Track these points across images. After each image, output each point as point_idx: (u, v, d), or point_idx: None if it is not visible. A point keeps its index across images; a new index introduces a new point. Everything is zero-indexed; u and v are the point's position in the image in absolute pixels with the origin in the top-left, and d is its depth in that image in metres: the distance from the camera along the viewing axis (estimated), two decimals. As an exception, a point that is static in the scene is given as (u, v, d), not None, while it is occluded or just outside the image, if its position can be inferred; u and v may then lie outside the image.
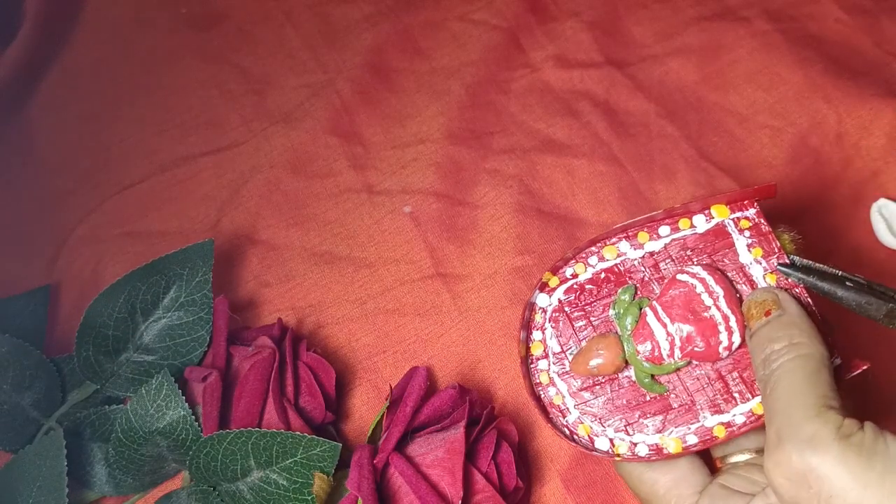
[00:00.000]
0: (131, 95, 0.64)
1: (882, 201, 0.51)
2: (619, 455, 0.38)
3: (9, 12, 0.65)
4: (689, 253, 0.40)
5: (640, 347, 0.38)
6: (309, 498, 0.42)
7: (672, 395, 0.39)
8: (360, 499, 0.40)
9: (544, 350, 0.41)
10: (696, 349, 0.38)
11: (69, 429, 0.46)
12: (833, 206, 0.53)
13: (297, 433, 0.42)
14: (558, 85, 0.61)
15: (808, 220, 0.53)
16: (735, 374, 0.38)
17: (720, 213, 0.40)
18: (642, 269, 0.40)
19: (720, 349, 0.38)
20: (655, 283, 0.40)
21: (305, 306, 0.53)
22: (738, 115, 0.58)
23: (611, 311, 0.40)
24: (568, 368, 0.40)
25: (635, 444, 0.39)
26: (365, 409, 0.49)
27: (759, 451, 0.39)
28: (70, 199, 0.59)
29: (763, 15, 0.62)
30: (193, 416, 0.43)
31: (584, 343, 0.40)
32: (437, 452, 0.41)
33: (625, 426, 0.39)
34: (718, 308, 0.38)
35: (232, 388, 0.45)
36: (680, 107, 0.59)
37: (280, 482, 0.42)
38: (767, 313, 0.36)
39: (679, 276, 0.39)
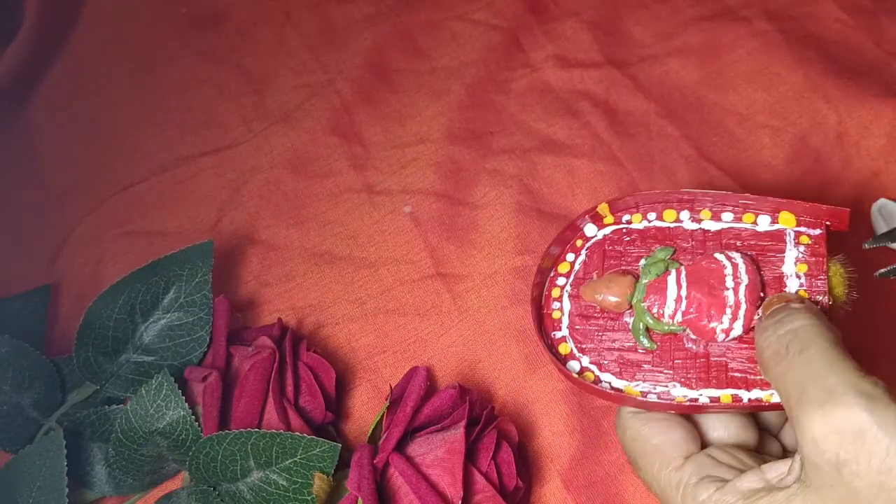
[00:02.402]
0: (131, 95, 0.64)
1: (882, 201, 0.51)
2: (585, 378, 0.39)
3: (9, 12, 0.65)
4: (739, 244, 0.40)
5: (649, 298, 0.39)
6: (309, 498, 0.42)
7: (655, 355, 0.39)
8: (360, 499, 0.40)
9: (569, 271, 0.42)
10: (695, 321, 0.38)
11: (69, 429, 0.46)
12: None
13: (297, 434, 0.42)
14: (558, 85, 0.61)
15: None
16: (721, 360, 0.38)
17: (786, 222, 0.40)
18: (690, 241, 0.41)
19: (718, 331, 0.38)
20: (694, 257, 0.41)
21: (305, 306, 0.53)
22: (738, 115, 0.58)
23: (642, 261, 0.41)
24: (579, 292, 0.41)
25: (600, 381, 0.40)
26: (365, 409, 0.49)
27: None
28: (70, 199, 0.60)
29: (763, 15, 0.62)
30: (193, 416, 0.43)
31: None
32: (437, 452, 0.41)
33: (600, 361, 0.40)
34: (735, 293, 0.38)
35: (232, 388, 0.45)
36: (680, 107, 0.59)
37: (280, 482, 0.42)
38: (788, 301, 0.36)
39: (716, 254, 0.39)
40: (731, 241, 0.41)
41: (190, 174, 0.60)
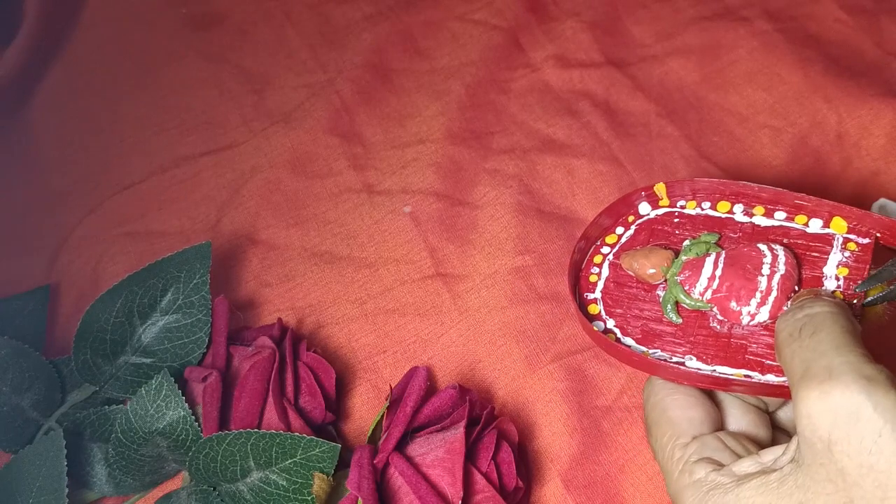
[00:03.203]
0: (131, 95, 0.64)
1: (882, 201, 0.51)
2: (610, 334, 0.41)
3: (9, 12, 0.65)
4: (786, 241, 0.41)
5: (683, 273, 0.41)
6: (309, 498, 0.42)
7: (678, 329, 0.40)
8: (360, 499, 0.40)
9: (615, 242, 0.44)
10: (724, 300, 0.39)
11: (69, 429, 0.46)
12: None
13: (297, 434, 0.42)
14: (558, 85, 0.61)
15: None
16: (741, 343, 0.39)
17: (837, 227, 0.41)
18: (738, 232, 0.42)
19: (744, 313, 0.39)
20: (738, 246, 0.41)
21: (305, 306, 0.53)
22: (738, 115, 0.58)
23: (686, 241, 0.42)
24: (618, 259, 0.43)
25: (620, 342, 0.41)
26: (365, 409, 0.49)
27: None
28: (70, 199, 0.60)
29: (763, 15, 0.62)
30: (193, 417, 0.43)
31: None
32: (437, 452, 0.41)
33: (624, 326, 0.42)
34: (769, 280, 0.39)
35: (232, 388, 0.45)
36: (680, 107, 0.59)
37: (280, 483, 0.42)
38: (816, 295, 0.37)
39: (760, 244, 0.40)
40: (778, 238, 0.41)
41: (190, 174, 0.60)
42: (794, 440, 0.33)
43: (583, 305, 0.43)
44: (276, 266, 0.55)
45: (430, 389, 0.44)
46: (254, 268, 0.55)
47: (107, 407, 0.47)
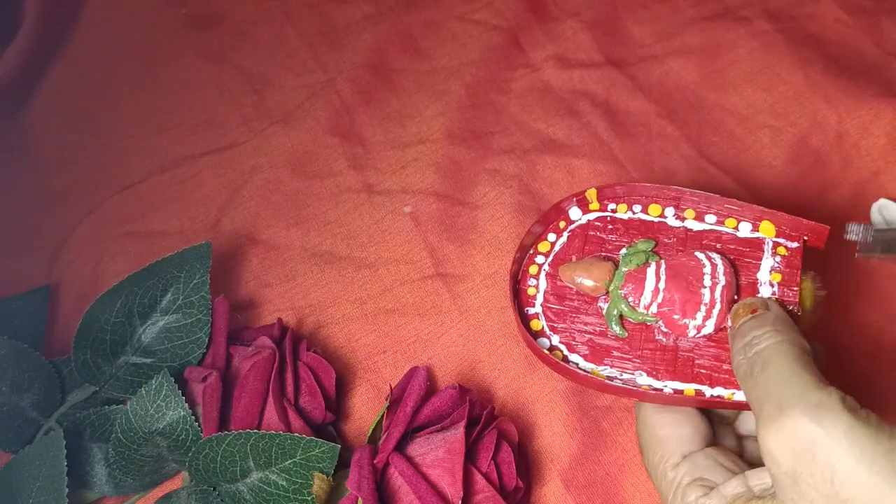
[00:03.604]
0: (131, 95, 0.64)
1: (882, 201, 0.51)
2: (554, 355, 0.40)
3: (9, 12, 0.65)
4: (719, 246, 0.41)
5: (627, 286, 0.40)
6: (309, 498, 0.42)
7: (625, 343, 0.40)
8: (360, 499, 0.40)
9: (549, 250, 0.43)
10: (670, 314, 0.39)
11: (69, 429, 0.46)
12: (833, 206, 0.53)
13: (296, 434, 0.42)
14: (558, 85, 0.61)
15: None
16: (688, 356, 0.39)
17: (766, 231, 0.41)
18: (672, 237, 0.42)
19: (690, 326, 0.39)
20: (675, 253, 0.41)
21: (305, 306, 0.53)
22: (738, 115, 0.58)
23: (623, 250, 0.42)
24: (556, 271, 0.42)
25: (568, 362, 0.40)
26: (365, 409, 0.49)
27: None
28: (70, 199, 0.59)
29: (763, 15, 0.62)
30: (193, 417, 0.43)
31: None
32: (437, 452, 0.41)
33: (570, 342, 0.41)
34: (712, 293, 0.39)
35: (232, 388, 0.45)
36: (680, 107, 0.59)
37: (280, 483, 0.42)
38: (753, 311, 0.37)
39: (697, 253, 0.40)
40: (712, 243, 0.42)
41: (190, 174, 0.60)
42: None
43: (525, 322, 0.41)
44: (276, 266, 0.55)
45: (430, 389, 0.44)
46: (254, 268, 0.55)
47: (107, 407, 0.47)
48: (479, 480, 0.41)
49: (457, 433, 0.41)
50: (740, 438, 0.40)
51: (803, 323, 0.39)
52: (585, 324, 0.41)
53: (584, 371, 0.40)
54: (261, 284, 0.54)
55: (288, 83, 0.64)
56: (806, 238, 0.41)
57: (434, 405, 0.43)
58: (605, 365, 0.40)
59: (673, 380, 0.39)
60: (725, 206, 0.42)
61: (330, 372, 0.47)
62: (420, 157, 0.58)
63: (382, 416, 0.44)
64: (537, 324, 0.42)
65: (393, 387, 0.44)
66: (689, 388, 0.39)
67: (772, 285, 0.40)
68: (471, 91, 0.61)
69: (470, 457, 0.41)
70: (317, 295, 0.53)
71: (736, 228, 0.42)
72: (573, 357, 0.40)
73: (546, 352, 0.40)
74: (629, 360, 0.40)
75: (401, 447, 0.42)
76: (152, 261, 0.49)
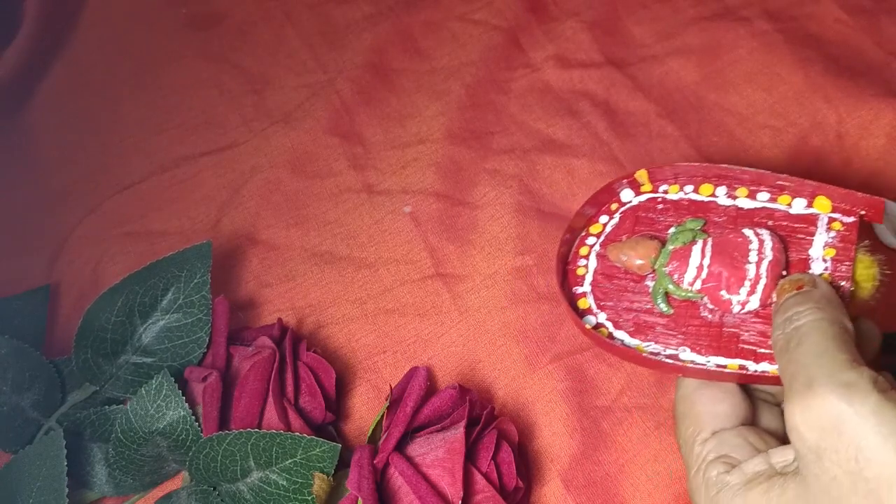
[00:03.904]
0: (131, 95, 0.64)
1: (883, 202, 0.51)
2: (602, 329, 0.41)
3: (9, 12, 0.65)
4: (770, 223, 0.41)
5: (672, 264, 0.40)
6: (309, 498, 0.42)
7: (670, 320, 0.40)
8: (360, 499, 0.40)
9: (600, 232, 0.44)
10: (714, 290, 0.39)
11: (69, 429, 0.46)
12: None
13: (297, 434, 0.42)
14: (558, 85, 0.61)
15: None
16: (733, 332, 0.39)
17: (820, 207, 0.41)
18: (722, 216, 0.42)
19: (734, 302, 0.39)
20: (724, 232, 0.41)
21: (305, 306, 0.53)
22: (738, 115, 0.58)
23: (672, 229, 0.42)
24: (605, 251, 0.43)
25: (613, 338, 0.41)
26: (365, 409, 0.49)
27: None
28: (70, 199, 0.60)
29: (763, 15, 0.62)
30: (193, 417, 0.43)
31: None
32: (437, 452, 0.41)
33: (616, 319, 0.41)
34: (757, 268, 0.38)
35: (232, 388, 0.45)
36: (680, 107, 0.59)
37: (280, 482, 0.42)
38: (799, 287, 0.37)
39: (745, 230, 0.40)
40: (763, 220, 0.41)
41: (190, 174, 0.60)
42: None
43: (573, 301, 0.42)
44: (276, 266, 0.55)
45: (430, 389, 0.44)
46: (254, 268, 0.55)
47: (107, 407, 0.47)
48: (479, 480, 0.41)
49: (457, 433, 0.41)
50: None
51: (859, 304, 0.38)
52: (633, 302, 0.41)
53: (628, 347, 0.40)
54: (261, 284, 0.54)
55: (288, 83, 0.64)
56: (863, 213, 0.40)
57: (434, 405, 0.43)
58: (650, 341, 0.40)
59: (716, 355, 0.39)
60: (778, 182, 0.41)
61: (330, 372, 0.47)
62: (420, 157, 0.58)
63: (382, 416, 0.44)
64: (585, 302, 0.42)
65: (393, 387, 0.44)
66: (733, 363, 0.38)
67: (825, 261, 0.39)
68: (471, 91, 0.61)
69: (470, 457, 0.41)
70: (317, 295, 0.53)
71: (789, 205, 0.41)
72: (618, 333, 0.41)
73: (590, 328, 0.40)
74: (673, 335, 0.40)
75: (401, 447, 0.42)
76: (152, 261, 0.49)
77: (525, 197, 0.55)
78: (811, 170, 0.55)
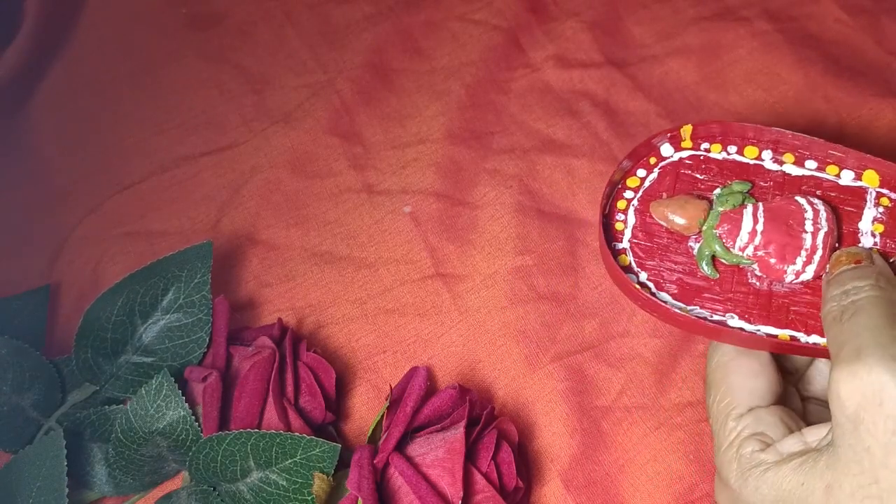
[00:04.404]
0: (131, 95, 0.64)
1: (882, 201, 0.51)
2: (644, 287, 0.39)
3: (9, 12, 0.65)
4: (818, 193, 0.40)
5: (722, 226, 0.39)
6: (309, 498, 0.42)
7: (715, 284, 0.39)
8: (360, 499, 0.40)
9: (638, 186, 0.42)
10: (768, 257, 0.38)
11: (69, 429, 0.46)
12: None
13: (297, 434, 0.42)
14: (558, 85, 0.61)
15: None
16: (783, 301, 0.38)
17: (869, 180, 0.40)
18: (768, 181, 0.41)
19: (788, 271, 0.38)
20: (771, 197, 0.40)
21: (305, 306, 0.53)
22: (738, 115, 0.58)
23: (717, 191, 0.41)
24: (647, 208, 0.41)
25: (656, 299, 0.39)
26: (365, 409, 0.49)
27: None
28: (70, 199, 0.59)
29: (763, 15, 0.62)
30: (193, 417, 0.43)
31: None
32: (437, 452, 0.41)
33: (658, 280, 0.40)
34: (813, 238, 0.38)
35: (232, 388, 0.45)
36: (680, 107, 0.59)
37: (280, 483, 0.42)
38: (857, 261, 0.36)
39: (798, 197, 0.39)
40: (811, 189, 0.40)
41: (190, 174, 0.60)
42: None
43: (614, 255, 0.40)
44: (276, 266, 0.55)
45: (430, 389, 0.44)
46: (254, 268, 0.55)
47: (107, 407, 0.47)
48: (479, 480, 0.41)
49: (457, 433, 0.41)
50: (804, 401, 0.40)
51: None
52: (675, 262, 0.40)
53: (677, 309, 0.38)
54: (261, 284, 0.54)
55: (288, 83, 0.64)
56: None
57: (434, 405, 0.43)
58: (695, 305, 0.39)
59: (766, 324, 0.38)
60: (829, 151, 0.40)
61: (330, 372, 0.47)
62: (420, 157, 0.58)
63: (382, 416, 0.44)
64: (625, 259, 0.40)
65: (393, 387, 0.44)
66: (784, 333, 0.38)
67: (874, 236, 0.39)
68: (471, 91, 0.61)
69: (470, 457, 0.41)
70: (317, 295, 0.53)
71: (838, 176, 0.40)
72: (661, 295, 0.39)
73: (636, 286, 0.39)
74: (720, 301, 0.39)
75: (401, 447, 0.42)
76: (152, 260, 0.49)
77: (525, 197, 0.55)
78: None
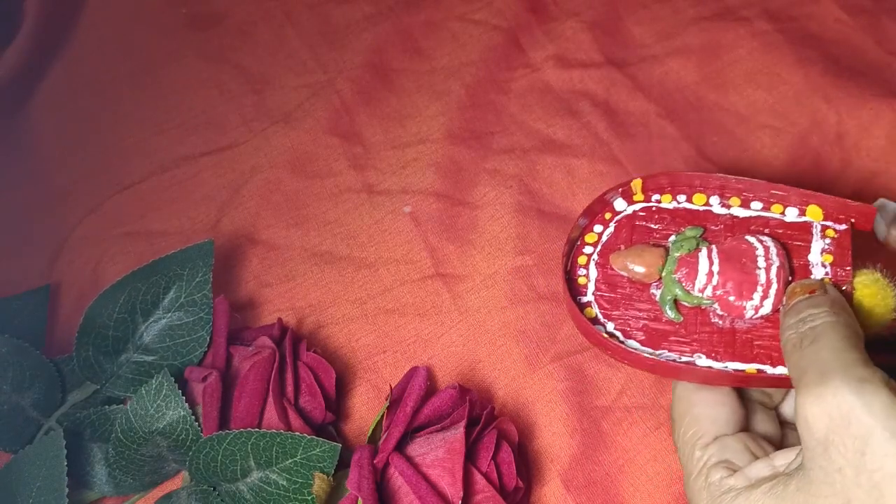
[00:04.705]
0: (131, 95, 0.64)
1: (881, 201, 0.51)
2: (612, 337, 0.40)
3: (9, 12, 0.65)
4: (766, 232, 0.42)
5: (680, 270, 0.40)
6: (309, 498, 0.42)
7: (680, 327, 0.40)
8: (360, 499, 0.40)
9: (596, 241, 0.44)
10: (727, 295, 0.39)
11: (69, 429, 0.46)
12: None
13: (297, 434, 0.42)
14: (558, 85, 0.61)
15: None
16: (747, 337, 0.39)
17: (813, 215, 0.42)
18: (719, 224, 0.43)
19: (748, 306, 0.39)
20: (723, 239, 0.42)
21: (305, 306, 0.53)
22: (738, 115, 0.58)
23: (672, 237, 0.42)
24: (607, 260, 0.43)
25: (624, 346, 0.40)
26: (365, 409, 0.49)
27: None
28: (70, 199, 0.59)
29: (763, 15, 0.62)
30: (193, 416, 0.43)
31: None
32: (437, 452, 0.41)
33: (625, 328, 0.41)
34: (767, 273, 0.39)
35: (232, 388, 0.45)
36: (680, 107, 0.59)
37: (280, 482, 0.42)
38: (811, 292, 0.37)
39: (747, 237, 0.41)
40: (759, 229, 0.42)
41: (190, 174, 0.60)
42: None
43: (580, 310, 0.42)
44: (276, 266, 0.55)
45: (430, 389, 0.44)
46: (254, 268, 0.55)
47: (107, 407, 0.47)
48: (479, 480, 0.41)
49: (457, 433, 0.41)
50: (783, 425, 0.40)
51: (878, 323, 0.39)
52: (639, 310, 0.41)
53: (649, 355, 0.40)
54: (261, 284, 0.54)
55: (288, 83, 0.64)
56: (854, 220, 0.41)
57: (434, 405, 0.43)
58: (663, 349, 0.40)
59: (733, 360, 0.39)
60: (771, 191, 0.42)
61: (330, 372, 0.47)
62: (420, 157, 0.58)
63: (382, 416, 0.44)
64: (591, 312, 0.42)
65: (393, 387, 0.44)
66: (751, 367, 0.39)
67: (824, 266, 0.40)
68: (471, 91, 0.61)
69: (470, 457, 0.41)
70: (317, 295, 0.53)
71: (783, 213, 0.42)
72: (630, 343, 0.40)
73: (605, 336, 0.40)
74: (686, 342, 0.40)
75: (401, 447, 0.42)
76: (153, 259, 0.49)
77: (525, 197, 0.55)
78: (811, 170, 0.55)
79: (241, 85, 0.64)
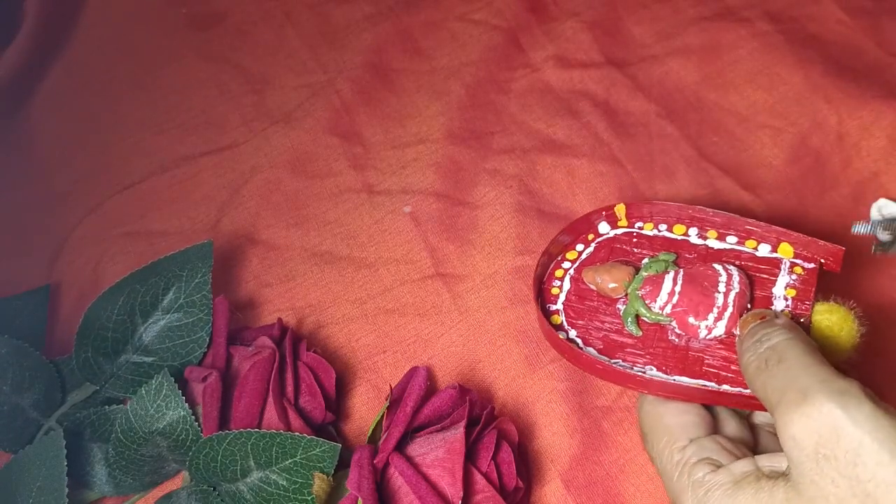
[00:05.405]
0: (131, 95, 0.64)
1: (882, 201, 0.51)
2: (572, 342, 0.42)
3: (9, 12, 0.65)
4: (737, 263, 0.43)
5: (644, 288, 0.42)
6: (309, 498, 0.42)
7: (639, 341, 0.42)
8: (360, 499, 0.40)
9: (576, 258, 0.46)
10: (683, 315, 0.41)
11: (69, 429, 0.46)
12: (833, 206, 0.53)
13: (297, 434, 0.42)
14: (558, 85, 0.61)
15: (808, 221, 0.53)
16: (698, 356, 0.41)
17: (784, 252, 0.43)
18: (693, 253, 0.45)
19: (701, 326, 0.41)
20: (694, 266, 0.44)
21: (305, 306, 0.53)
22: (738, 115, 0.58)
23: (645, 259, 0.44)
24: (581, 274, 0.45)
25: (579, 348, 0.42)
26: (365, 409, 0.49)
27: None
28: (70, 199, 0.60)
29: (764, 15, 0.62)
30: (193, 417, 0.43)
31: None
32: (437, 452, 0.41)
33: (586, 336, 0.43)
34: (725, 297, 0.41)
35: (232, 388, 0.45)
36: (680, 107, 0.59)
37: (280, 482, 0.42)
38: (762, 318, 0.38)
39: (715, 264, 0.43)
40: (731, 260, 0.44)
41: (190, 174, 0.60)
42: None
43: (546, 315, 0.44)
44: (276, 266, 0.55)
45: (430, 389, 0.44)
46: (254, 268, 0.55)
47: (107, 407, 0.47)
48: (479, 480, 0.41)
49: (457, 433, 0.41)
50: (754, 429, 0.41)
51: (844, 350, 0.40)
52: (603, 322, 0.43)
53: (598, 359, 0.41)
54: (261, 284, 0.54)
55: (288, 83, 0.64)
56: (823, 261, 0.42)
57: (434, 405, 0.43)
58: (618, 358, 0.42)
59: (682, 375, 0.40)
60: (746, 227, 0.44)
61: (330, 372, 0.47)
62: (420, 157, 0.58)
63: (382, 416, 0.44)
64: (557, 319, 0.44)
65: (393, 387, 0.44)
66: (697, 384, 0.40)
67: (786, 299, 0.42)
68: (471, 91, 0.61)
69: (470, 457, 0.41)
70: (317, 295, 0.53)
71: (755, 249, 0.44)
72: (587, 349, 0.42)
73: (561, 338, 0.42)
74: (640, 355, 0.42)
75: (401, 447, 0.42)
76: (153, 260, 0.49)
77: (525, 197, 0.55)
78: (811, 170, 0.55)
79: (241, 85, 0.64)
